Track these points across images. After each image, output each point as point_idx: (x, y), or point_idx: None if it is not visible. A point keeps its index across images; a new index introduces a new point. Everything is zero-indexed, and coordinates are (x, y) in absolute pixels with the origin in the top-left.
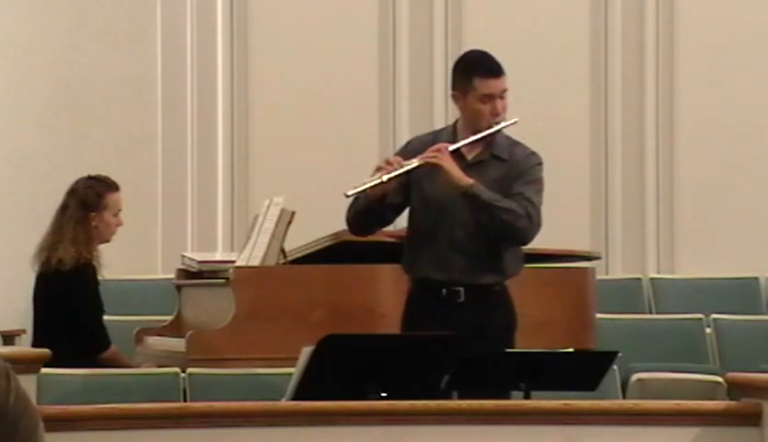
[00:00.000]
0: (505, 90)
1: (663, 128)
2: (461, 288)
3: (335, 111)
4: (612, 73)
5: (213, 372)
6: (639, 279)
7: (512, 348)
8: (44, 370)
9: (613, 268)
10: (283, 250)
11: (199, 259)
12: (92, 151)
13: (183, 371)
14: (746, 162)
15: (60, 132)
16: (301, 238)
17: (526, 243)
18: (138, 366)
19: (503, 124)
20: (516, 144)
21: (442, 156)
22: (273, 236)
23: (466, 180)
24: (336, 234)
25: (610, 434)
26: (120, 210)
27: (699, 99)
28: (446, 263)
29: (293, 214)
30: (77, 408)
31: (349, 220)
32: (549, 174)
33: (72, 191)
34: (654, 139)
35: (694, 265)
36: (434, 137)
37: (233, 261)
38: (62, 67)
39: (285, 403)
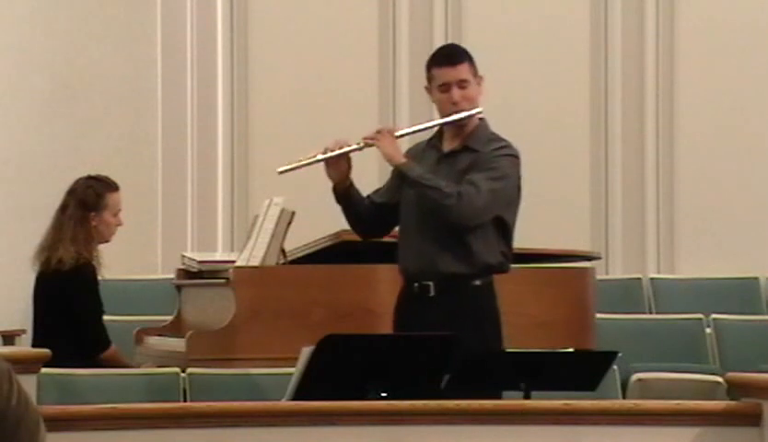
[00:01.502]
0: (463, 80)
1: (663, 128)
2: (431, 282)
3: (335, 111)
4: (612, 73)
5: (213, 372)
6: (639, 279)
7: (490, 350)
8: (44, 370)
9: (613, 268)
10: (283, 250)
11: (199, 259)
12: (92, 151)
13: (183, 371)
14: (746, 162)
15: (60, 132)
16: (301, 238)
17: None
18: (138, 366)
19: (464, 114)
20: (495, 139)
21: (381, 136)
22: (273, 236)
23: (398, 159)
24: (336, 234)
25: (610, 434)
26: (119, 210)
27: (699, 100)
28: (418, 253)
29: (293, 214)
30: (77, 408)
31: (349, 223)
32: (549, 174)
33: (72, 191)
34: (654, 139)
35: (694, 265)
36: (426, 141)
37: (233, 261)
38: (62, 67)
39: (284, 403)
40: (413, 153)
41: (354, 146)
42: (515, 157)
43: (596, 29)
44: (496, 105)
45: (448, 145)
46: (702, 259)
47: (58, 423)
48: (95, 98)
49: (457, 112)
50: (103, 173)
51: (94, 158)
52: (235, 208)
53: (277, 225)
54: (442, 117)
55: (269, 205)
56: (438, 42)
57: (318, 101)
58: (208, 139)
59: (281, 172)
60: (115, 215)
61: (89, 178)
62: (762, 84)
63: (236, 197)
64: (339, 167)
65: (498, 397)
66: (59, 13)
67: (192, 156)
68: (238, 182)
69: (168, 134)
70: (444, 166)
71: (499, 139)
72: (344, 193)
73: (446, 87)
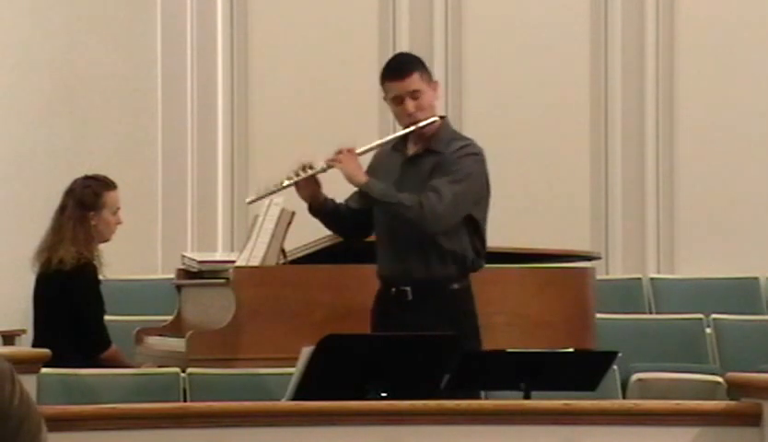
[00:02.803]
0: (414, 91)
1: (663, 128)
2: (409, 288)
3: (335, 111)
4: (612, 73)
5: (213, 372)
6: (639, 279)
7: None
8: (44, 370)
9: (613, 268)
10: (283, 251)
11: (199, 259)
12: (92, 151)
13: (183, 371)
14: (746, 162)
15: (60, 132)
16: (301, 238)
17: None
18: (138, 366)
19: (421, 124)
20: (457, 138)
21: (342, 157)
22: (273, 236)
23: (359, 178)
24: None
25: (610, 434)
26: (118, 208)
27: (699, 99)
28: (393, 259)
29: (293, 214)
30: (77, 408)
31: (330, 231)
32: (549, 174)
33: (70, 191)
34: (654, 139)
35: (694, 265)
36: (391, 145)
37: (233, 262)
38: (62, 67)
39: (284, 403)
40: (380, 157)
41: (319, 169)
42: (477, 154)
43: (596, 28)
44: (496, 105)
45: (411, 149)
46: (702, 259)
47: (58, 423)
48: (95, 98)
49: (414, 123)
50: (103, 173)
51: (94, 158)
52: (235, 208)
53: (277, 225)
54: (401, 125)
55: (269, 205)
56: (439, 43)
57: (318, 101)
58: (208, 139)
59: (249, 202)
60: (114, 213)
61: (87, 177)
62: (762, 84)
63: (236, 197)
64: (308, 188)
65: (477, 396)
66: (59, 13)
67: (192, 155)
68: (239, 182)
69: (168, 134)
70: (409, 170)
71: (461, 138)
72: (319, 209)
73: (399, 100)
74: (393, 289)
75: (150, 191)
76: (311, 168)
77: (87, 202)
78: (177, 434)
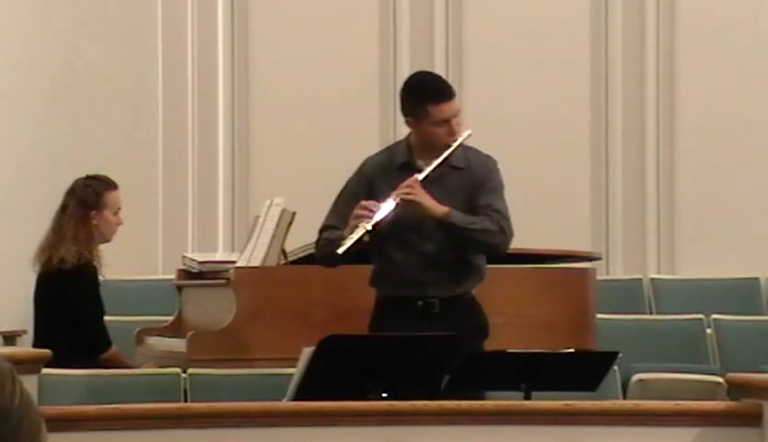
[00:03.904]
0: (458, 109)
1: (663, 128)
2: (437, 300)
3: (336, 112)
4: (613, 73)
5: (213, 372)
6: (639, 279)
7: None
8: (45, 370)
9: (614, 268)
10: (283, 251)
11: (200, 259)
12: (92, 151)
13: (184, 371)
14: (746, 162)
15: (60, 132)
16: (302, 238)
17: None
18: (139, 367)
19: (460, 140)
20: (468, 149)
21: (416, 190)
22: (273, 236)
23: (441, 209)
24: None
25: (610, 434)
26: (119, 208)
27: (699, 99)
28: (419, 279)
29: (293, 214)
30: (78, 408)
31: (321, 259)
32: (549, 174)
33: (71, 191)
34: (654, 139)
35: (694, 265)
36: (388, 155)
37: (234, 262)
38: (62, 67)
39: (285, 403)
40: (379, 174)
41: (393, 206)
42: (498, 165)
43: (596, 28)
44: (496, 104)
45: (425, 166)
46: (702, 259)
47: (59, 423)
48: (95, 98)
49: (455, 140)
50: (103, 173)
51: (94, 158)
52: (236, 208)
53: (278, 225)
54: (433, 147)
55: (270, 206)
56: (439, 43)
57: (318, 102)
58: (209, 139)
59: (341, 252)
60: (115, 213)
61: (88, 177)
62: (762, 84)
63: (236, 197)
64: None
65: (482, 397)
66: (59, 13)
67: (192, 156)
68: (239, 183)
69: (169, 135)
70: (432, 187)
71: (470, 149)
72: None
73: (445, 122)
74: (420, 303)
75: (151, 192)
76: (377, 208)
77: (88, 201)
78: (177, 434)
